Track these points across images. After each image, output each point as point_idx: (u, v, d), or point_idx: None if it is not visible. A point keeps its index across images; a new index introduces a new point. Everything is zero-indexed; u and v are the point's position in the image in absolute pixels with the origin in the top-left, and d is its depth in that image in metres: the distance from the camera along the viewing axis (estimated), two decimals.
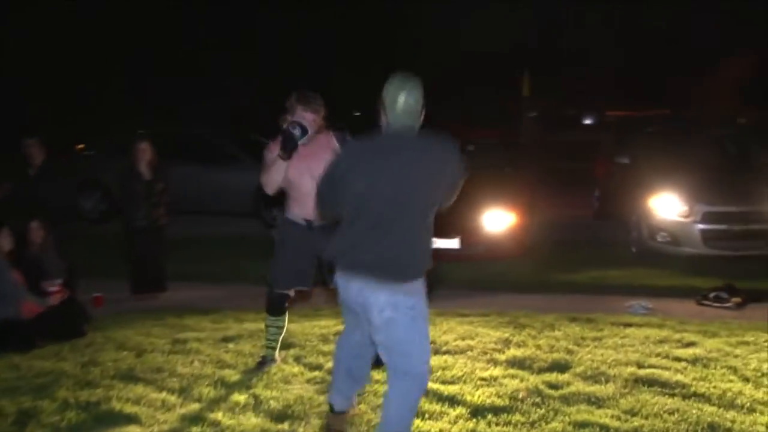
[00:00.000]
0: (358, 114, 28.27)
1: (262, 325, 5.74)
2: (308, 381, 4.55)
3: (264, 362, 4.80)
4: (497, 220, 8.32)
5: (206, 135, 12.13)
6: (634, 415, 3.92)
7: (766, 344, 5.18)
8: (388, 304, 3.20)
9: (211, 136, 12.05)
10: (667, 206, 8.31)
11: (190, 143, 11.77)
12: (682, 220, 8.18)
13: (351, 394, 3.75)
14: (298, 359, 4.95)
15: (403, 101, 3.21)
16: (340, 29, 28.36)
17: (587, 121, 44.37)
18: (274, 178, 4.51)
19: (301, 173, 4.47)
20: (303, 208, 4.51)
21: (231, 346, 5.29)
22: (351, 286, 3.30)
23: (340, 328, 5.58)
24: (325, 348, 5.16)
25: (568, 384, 4.39)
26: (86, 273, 7.17)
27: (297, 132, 4.35)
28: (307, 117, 4.43)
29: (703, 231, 8.07)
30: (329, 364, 4.74)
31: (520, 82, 20.85)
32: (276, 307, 4.76)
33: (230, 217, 11.41)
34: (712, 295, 6.88)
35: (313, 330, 5.63)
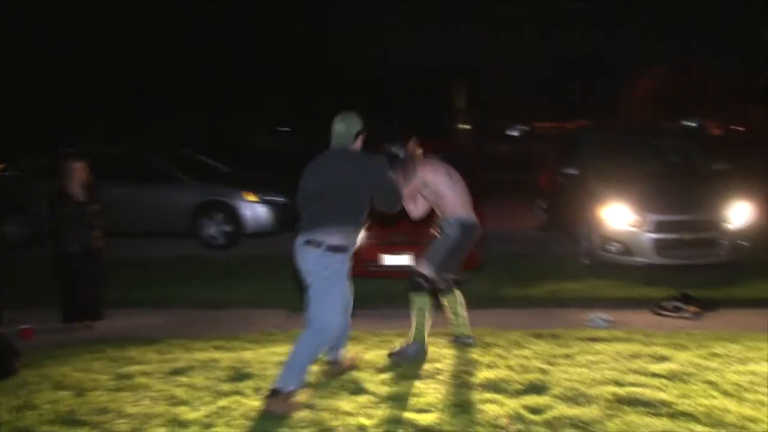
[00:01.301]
0: (285, 129, 28.01)
1: (214, 354, 5.40)
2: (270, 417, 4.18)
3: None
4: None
5: (140, 153, 11.59)
6: None
7: (737, 356, 5.08)
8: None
9: (144, 155, 11.51)
10: (618, 216, 8.25)
11: (123, 162, 11.25)
12: (634, 229, 8.13)
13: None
14: (257, 391, 4.58)
15: (336, 129, 4.65)
16: (271, 48, 28.06)
17: (513, 133, 45.20)
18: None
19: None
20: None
21: (183, 379, 4.87)
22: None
23: None
24: None
25: (550, 407, 4.15)
26: (11, 302, 6.61)
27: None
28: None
29: (655, 240, 8.04)
30: None
31: (455, 95, 20.96)
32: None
33: (168, 238, 10.92)
34: (668, 304, 6.82)
35: (270, 357, 5.27)
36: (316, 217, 4.41)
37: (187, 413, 4.25)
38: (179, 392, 4.61)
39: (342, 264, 4.42)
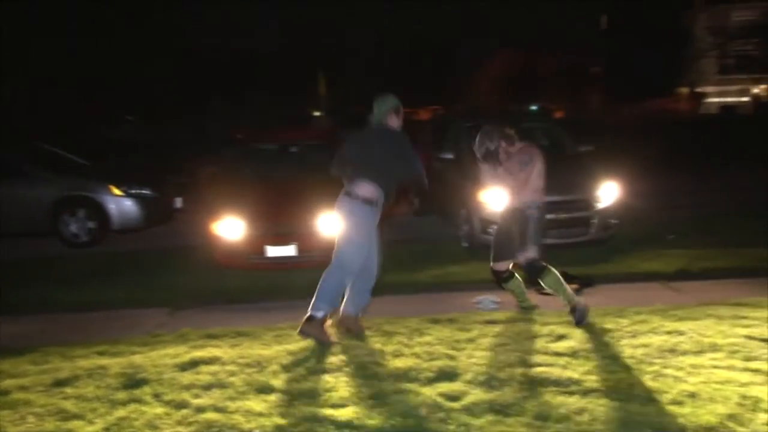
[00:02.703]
0: (130, 118, 26.84)
1: (100, 361, 5.00)
2: (179, 423, 3.90)
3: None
4: (333, 224, 7.94)
5: None
6: (545, 419, 3.74)
7: (627, 329, 5.28)
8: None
9: None
10: (497, 199, 8.39)
11: None
12: None
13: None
14: (157, 397, 4.26)
15: (374, 109, 5.50)
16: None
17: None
18: None
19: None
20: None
21: (69, 390, 4.45)
22: None
23: (195, 354, 5.00)
24: (185, 380, 4.51)
25: (465, 393, 4.13)
26: None
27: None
28: None
29: None
30: (196, 401, 4.16)
31: (317, 82, 20.78)
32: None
33: (25, 238, 10.10)
34: None
35: (164, 360, 4.93)
36: (354, 176, 5.33)
37: (82, 428, 3.88)
38: (68, 405, 4.21)
39: (369, 215, 5.30)
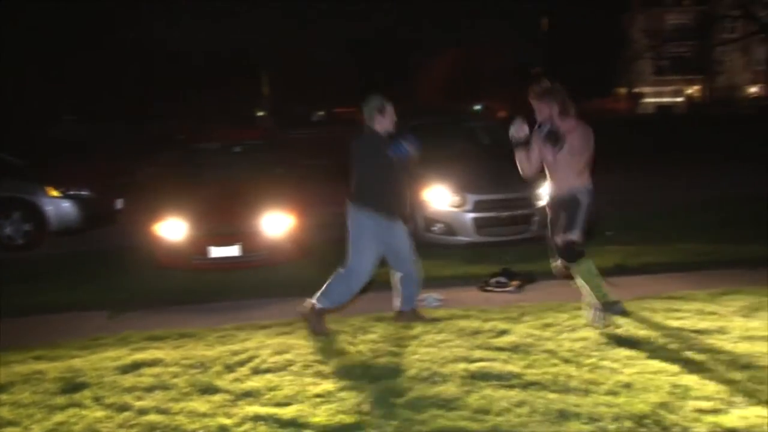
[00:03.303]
0: (74, 119, 26.24)
1: (37, 366, 4.90)
2: (120, 426, 3.85)
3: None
4: (277, 224, 7.95)
5: None
6: (486, 413, 3.82)
7: (566, 324, 5.41)
8: None
9: None
10: (439, 198, 8.52)
11: None
12: (455, 210, 8.45)
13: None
14: (98, 400, 4.20)
15: (365, 114, 5.51)
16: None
17: (313, 119, 45.48)
18: None
19: None
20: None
21: (4, 397, 4.35)
22: None
23: (137, 356, 4.95)
24: (126, 382, 4.46)
25: (409, 389, 4.19)
26: None
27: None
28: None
29: (474, 219, 8.40)
30: (139, 403, 4.12)
31: (260, 81, 20.64)
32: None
33: None
34: (493, 281, 7.14)
35: (104, 363, 4.86)
36: (351, 182, 5.48)
37: None
38: (3, 412, 4.12)
39: (367, 219, 5.40)
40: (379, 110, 5.46)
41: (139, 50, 30.77)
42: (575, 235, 5.26)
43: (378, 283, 7.45)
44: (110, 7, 29.28)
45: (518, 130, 5.40)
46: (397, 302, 5.80)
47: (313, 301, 5.47)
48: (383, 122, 5.47)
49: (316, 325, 5.41)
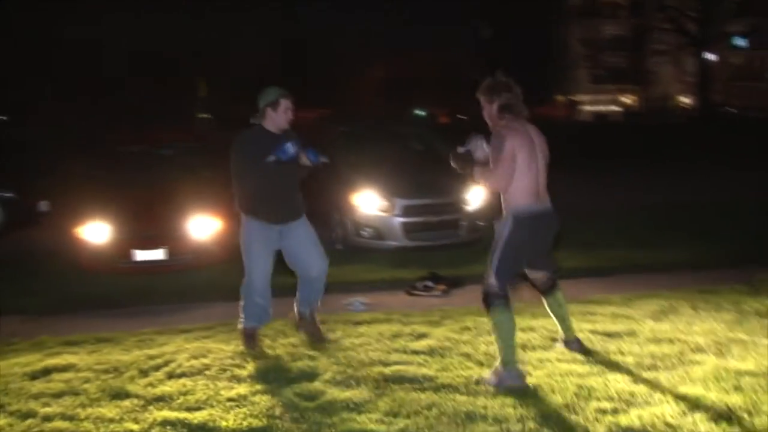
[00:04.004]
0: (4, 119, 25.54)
1: None
2: None
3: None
4: (204, 227, 7.89)
5: None
6: (396, 416, 3.87)
7: (485, 327, 5.49)
8: None
9: None
10: (368, 202, 8.57)
11: None
12: (384, 214, 8.51)
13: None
14: (1, 408, 4.11)
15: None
16: None
17: (253, 121, 44.99)
18: None
19: None
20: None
21: None
22: None
23: (48, 362, 4.85)
24: (34, 388, 4.37)
25: (322, 393, 4.21)
26: None
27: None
28: None
29: (403, 224, 8.48)
30: (45, 409, 4.04)
31: (196, 83, 20.41)
32: None
33: None
34: (420, 285, 7.21)
35: (13, 369, 4.75)
36: (233, 186, 5.13)
37: None
38: None
39: (245, 225, 5.11)
40: (272, 105, 4.94)
41: (74, 49, 30.10)
42: (491, 278, 4.37)
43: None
44: (38, 4, 28.54)
45: (477, 148, 4.48)
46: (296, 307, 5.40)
47: (240, 324, 5.21)
48: (275, 119, 4.97)
49: (250, 344, 5.10)
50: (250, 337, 5.15)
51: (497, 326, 4.31)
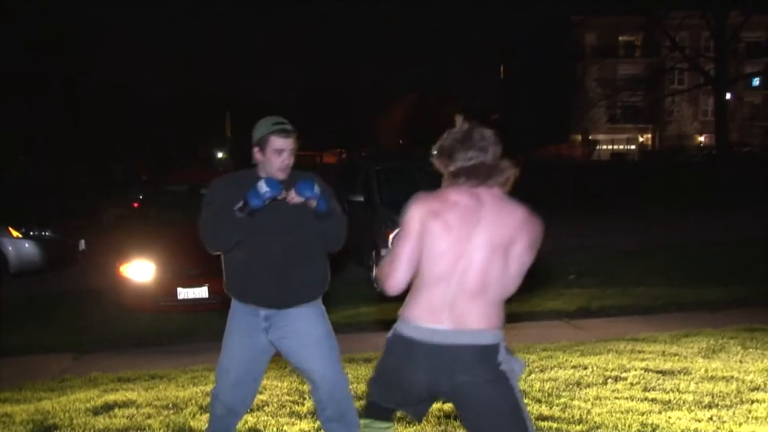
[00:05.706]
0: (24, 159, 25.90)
1: (4, 408, 4.83)
2: None
3: None
4: None
5: None
6: None
7: (536, 366, 5.52)
8: None
9: None
10: None
11: None
12: None
13: None
14: None
15: None
16: None
17: None
18: None
19: None
20: None
21: None
22: None
23: (108, 397, 4.91)
24: (99, 424, 4.42)
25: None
26: None
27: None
28: None
29: None
30: None
31: (223, 123, 20.71)
32: None
33: None
34: None
35: (75, 405, 4.80)
36: None
37: None
38: None
39: (231, 310, 3.62)
40: (259, 144, 3.40)
41: (98, 91, 30.68)
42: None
43: (346, 325, 7.55)
44: (63, 48, 29.14)
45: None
46: None
47: None
48: (264, 164, 3.41)
49: None
50: None
51: None
